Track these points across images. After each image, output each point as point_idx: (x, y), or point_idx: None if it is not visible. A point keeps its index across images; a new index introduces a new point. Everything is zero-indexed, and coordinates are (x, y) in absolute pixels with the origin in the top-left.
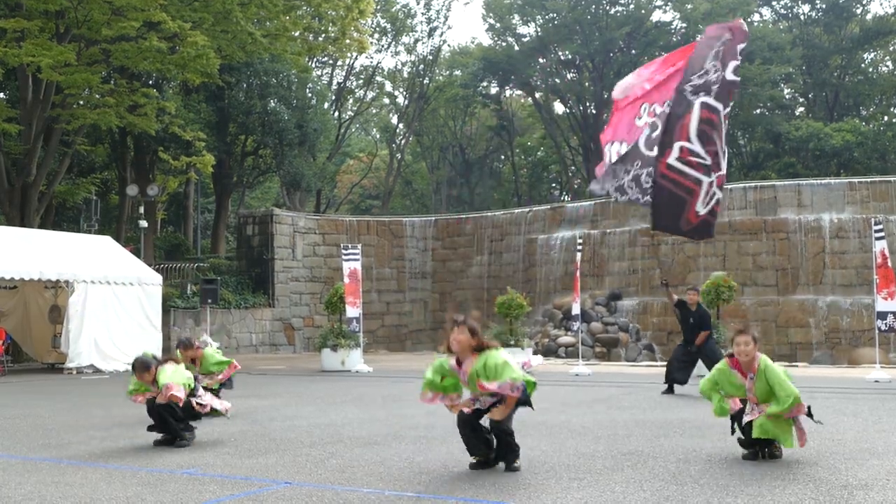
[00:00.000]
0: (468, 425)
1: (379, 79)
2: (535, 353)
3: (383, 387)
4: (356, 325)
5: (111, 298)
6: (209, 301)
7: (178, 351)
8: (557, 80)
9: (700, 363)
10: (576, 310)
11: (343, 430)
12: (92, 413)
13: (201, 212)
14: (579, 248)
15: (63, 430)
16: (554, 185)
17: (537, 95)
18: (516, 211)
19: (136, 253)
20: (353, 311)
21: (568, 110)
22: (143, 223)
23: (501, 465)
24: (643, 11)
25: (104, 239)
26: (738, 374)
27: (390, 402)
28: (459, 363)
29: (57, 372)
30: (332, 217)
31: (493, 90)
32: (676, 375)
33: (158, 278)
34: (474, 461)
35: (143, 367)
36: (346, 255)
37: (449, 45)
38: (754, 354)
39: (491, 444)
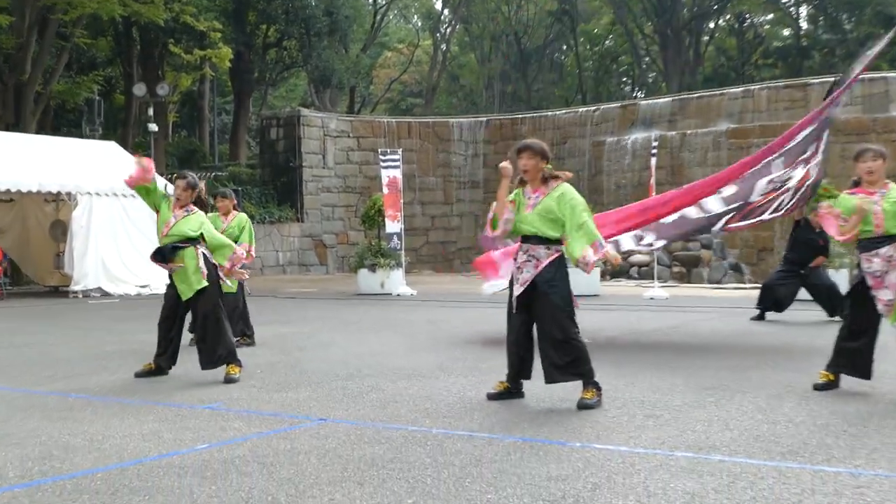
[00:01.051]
0: (522, 328)
1: None
2: (603, 273)
3: (429, 312)
4: (397, 242)
5: (119, 213)
6: None
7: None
8: None
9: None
10: None
11: (384, 360)
12: (102, 341)
13: (218, 114)
14: (654, 152)
15: (70, 361)
16: (624, 79)
17: None
18: (581, 110)
19: None
20: (393, 225)
21: None
22: (153, 127)
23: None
24: None
25: (109, 145)
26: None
27: (437, 329)
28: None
29: (61, 296)
30: (367, 118)
31: None
32: (777, 298)
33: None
34: (497, 388)
35: (189, 183)
36: (384, 161)
37: None
38: (881, 174)
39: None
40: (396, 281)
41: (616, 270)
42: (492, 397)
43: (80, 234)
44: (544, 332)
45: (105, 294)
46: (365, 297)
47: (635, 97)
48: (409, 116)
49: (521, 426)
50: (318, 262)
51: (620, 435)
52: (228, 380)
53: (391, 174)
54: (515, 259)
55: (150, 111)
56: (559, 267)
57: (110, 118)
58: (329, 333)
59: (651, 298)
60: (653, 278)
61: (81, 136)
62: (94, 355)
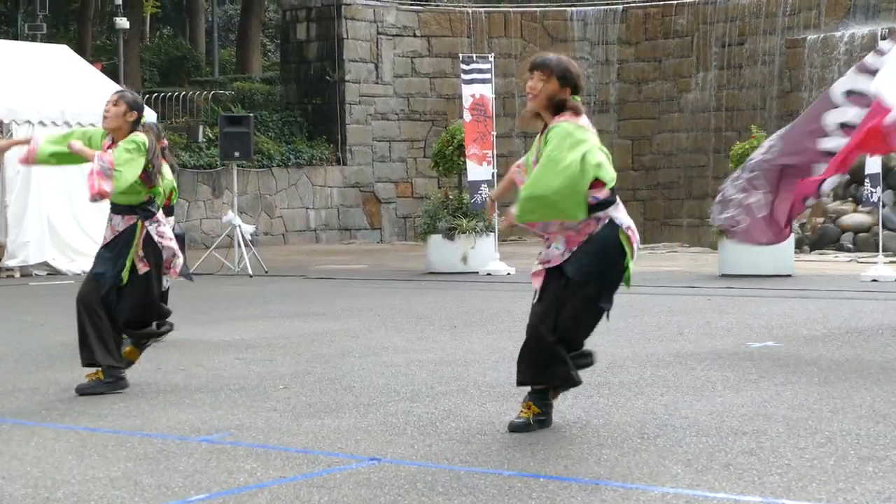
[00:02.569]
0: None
1: None
2: (799, 242)
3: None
4: (484, 195)
5: None
6: (236, 155)
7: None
8: None
9: None
10: (872, 167)
11: (466, 373)
12: (49, 341)
13: (219, 1)
14: (882, 55)
15: (4, 371)
16: None
17: None
18: None
19: (112, 72)
20: (480, 170)
21: None
22: (123, 22)
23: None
24: None
25: (58, 50)
26: None
27: None
28: None
29: None
30: (443, 7)
31: None
32: None
33: (151, 116)
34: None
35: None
36: (468, 73)
37: None
38: None
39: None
40: (486, 253)
41: (817, 238)
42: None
43: (17, 182)
44: None
45: (54, 272)
46: (439, 276)
47: None
48: (506, 4)
49: (672, 471)
50: (369, 225)
51: (826, 486)
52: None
53: (478, 92)
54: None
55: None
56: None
57: (59, 9)
58: (384, 332)
59: (874, 280)
60: (877, 249)
61: (17, 36)
62: (38, 362)
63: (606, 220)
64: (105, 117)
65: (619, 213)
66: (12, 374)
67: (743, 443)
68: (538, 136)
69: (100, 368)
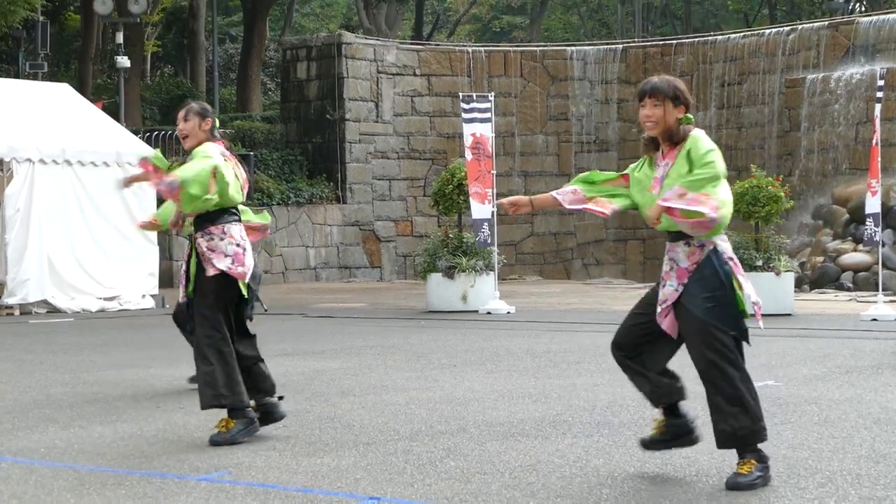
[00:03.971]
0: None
1: None
2: (799, 282)
3: (533, 339)
4: (487, 234)
5: (74, 188)
6: None
7: None
8: None
9: None
10: (873, 206)
11: (467, 411)
12: (48, 381)
13: (220, 40)
14: (880, 95)
15: (3, 409)
16: None
17: None
18: (768, 32)
19: (113, 111)
20: (481, 209)
21: None
22: (124, 61)
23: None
24: None
25: (59, 88)
26: None
27: (546, 365)
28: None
29: None
30: (443, 46)
31: None
32: None
33: (151, 154)
34: (653, 433)
35: (190, 109)
36: (468, 111)
37: None
38: None
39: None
40: (485, 292)
41: (817, 277)
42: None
43: (17, 220)
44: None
45: (53, 310)
46: (438, 315)
47: (852, 11)
48: (505, 44)
49: None
50: (369, 264)
51: None
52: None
53: (478, 131)
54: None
55: (120, 37)
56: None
57: (61, 48)
58: (384, 371)
59: (874, 320)
60: (876, 288)
61: (18, 74)
62: (38, 401)
63: (711, 247)
64: (184, 138)
65: (721, 240)
66: (11, 413)
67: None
68: (649, 158)
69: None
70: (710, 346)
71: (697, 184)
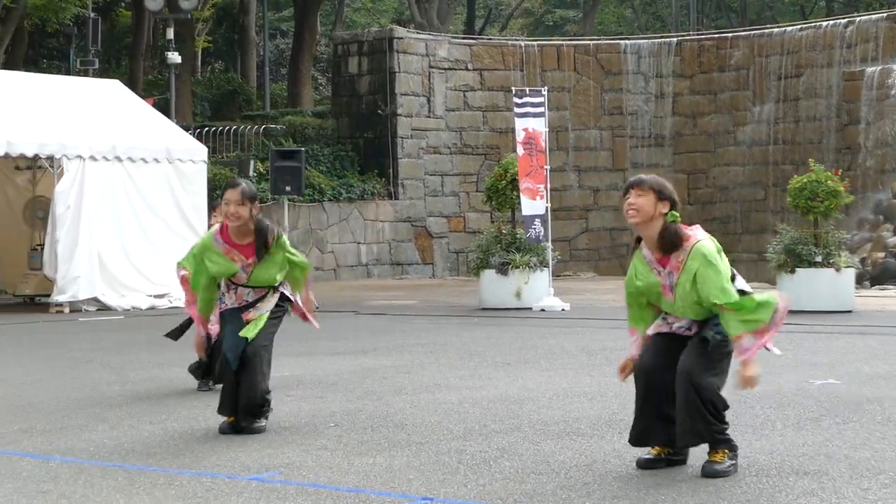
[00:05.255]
0: (653, 374)
1: None
2: (858, 276)
3: (589, 336)
4: (540, 230)
5: (124, 185)
6: (287, 189)
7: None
8: None
9: None
10: None
11: (521, 409)
12: (98, 379)
13: (271, 36)
14: None
15: (53, 408)
16: None
17: None
18: (824, 23)
19: (164, 107)
20: (533, 204)
21: None
22: (175, 57)
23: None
24: None
25: (110, 85)
26: None
27: (602, 363)
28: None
29: (39, 309)
30: (495, 40)
31: None
32: None
33: (202, 150)
34: (647, 456)
35: (245, 193)
36: (520, 106)
37: None
38: None
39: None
40: (540, 289)
41: (878, 274)
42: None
43: (68, 218)
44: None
45: (103, 307)
46: (492, 312)
47: None
48: (558, 38)
49: None
50: (421, 261)
51: None
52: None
53: (531, 126)
54: None
55: (170, 34)
56: None
57: (111, 45)
58: (437, 369)
59: None
60: None
61: (69, 71)
62: (87, 400)
63: None
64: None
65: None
66: (61, 412)
67: (804, 484)
68: (638, 252)
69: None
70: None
71: (749, 321)
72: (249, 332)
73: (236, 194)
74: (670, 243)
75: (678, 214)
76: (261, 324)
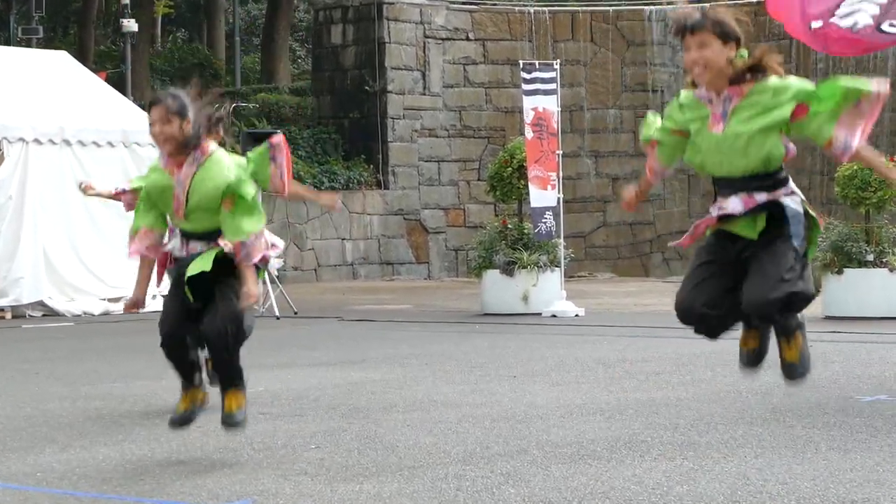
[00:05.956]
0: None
1: None
2: None
3: (606, 346)
4: (550, 225)
5: (73, 172)
6: None
7: None
8: None
9: None
10: None
11: (528, 429)
12: (46, 394)
13: (241, 1)
14: None
15: None
16: None
17: None
18: None
19: (118, 82)
20: (542, 195)
21: None
22: (131, 24)
23: None
24: None
25: (57, 56)
26: None
27: (621, 376)
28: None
29: None
30: (500, 6)
31: None
32: None
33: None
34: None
35: (171, 108)
36: (529, 82)
37: None
38: None
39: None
40: (550, 291)
41: None
42: None
43: (9, 210)
44: None
45: (50, 312)
46: (495, 318)
47: None
48: (573, 2)
49: None
50: (414, 259)
51: None
52: (229, 422)
53: (541, 105)
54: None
55: None
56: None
57: (58, 11)
58: (433, 383)
59: None
60: None
61: (9, 41)
62: (32, 418)
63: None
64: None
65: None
66: (2, 433)
67: None
68: (691, 93)
69: None
70: None
71: (850, 90)
72: (194, 269)
73: (160, 111)
74: (740, 78)
75: (745, 51)
76: (209, 257)
